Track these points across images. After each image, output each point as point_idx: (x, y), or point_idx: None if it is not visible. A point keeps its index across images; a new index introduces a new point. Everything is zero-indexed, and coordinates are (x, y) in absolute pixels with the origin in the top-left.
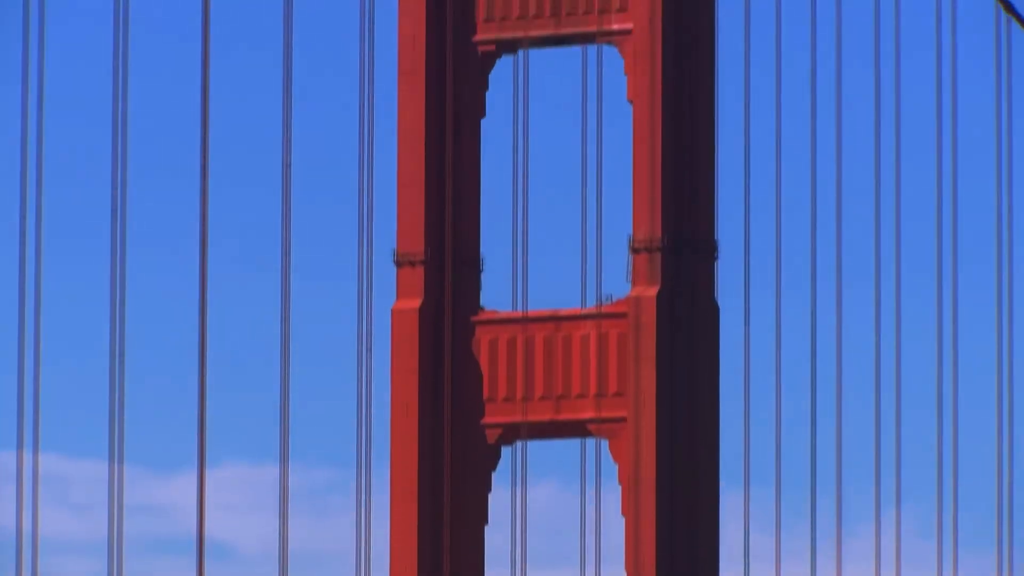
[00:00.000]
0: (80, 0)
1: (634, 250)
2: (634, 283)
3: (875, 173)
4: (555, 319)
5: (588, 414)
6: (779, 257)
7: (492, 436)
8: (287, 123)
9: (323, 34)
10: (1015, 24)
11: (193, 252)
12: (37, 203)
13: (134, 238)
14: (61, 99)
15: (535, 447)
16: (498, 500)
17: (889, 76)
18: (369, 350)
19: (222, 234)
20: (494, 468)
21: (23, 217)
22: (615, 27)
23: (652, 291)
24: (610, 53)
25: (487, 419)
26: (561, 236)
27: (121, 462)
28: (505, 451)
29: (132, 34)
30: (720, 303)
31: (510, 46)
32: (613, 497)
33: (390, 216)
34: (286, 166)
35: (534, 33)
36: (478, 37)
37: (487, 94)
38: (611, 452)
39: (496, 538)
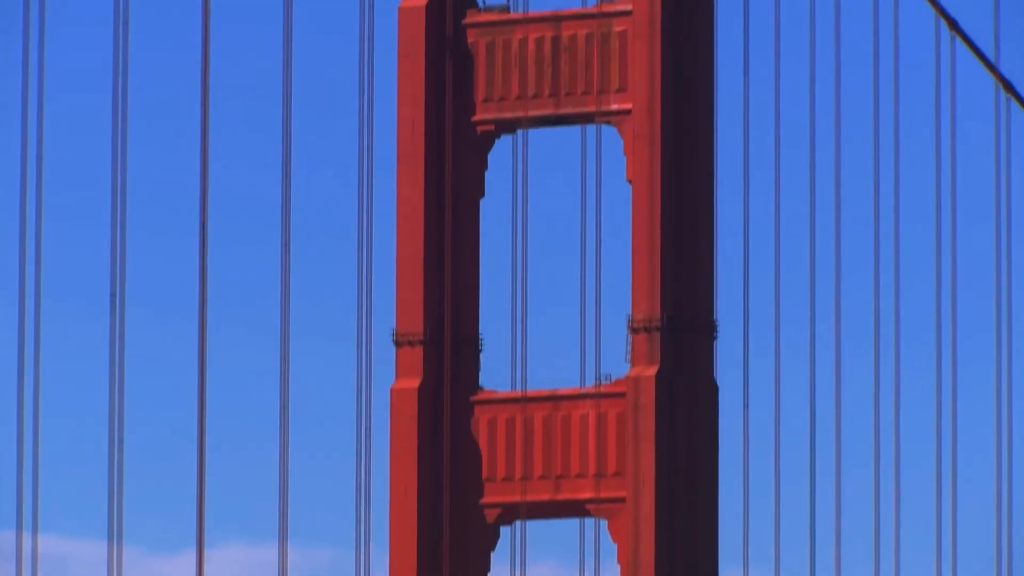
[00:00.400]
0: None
1: (633, 330)
2: (633, 363)
3: (874, 251)
4: (554, 399)
5: (587, 494)
6: (778, 336)
7: (491, 516)
8: (286, 203)
9: (322, 115)
10: (1014, 103)
11: (192, 335)
12: (36, 290)
13: (132, 319)
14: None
15: (534, 527)
16: None
17: (888, 157)
18: (368, 430)
19: (221, 316)
20: (493, 548)
21: (22, 298)
22: (614, 107)
23: (651, 371)
24: (609, 133)
25: (486, 499)
26: (560, 316)
27: (120, 542)
28: (504, 531)
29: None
30: (719, 382)
31: (509, 126)
32: None
33: (389, 296)
34: (285, 245)
35: (533, 113)
36: (477, 117)
37: (486, 174)
38: (610, 532)
39: None
